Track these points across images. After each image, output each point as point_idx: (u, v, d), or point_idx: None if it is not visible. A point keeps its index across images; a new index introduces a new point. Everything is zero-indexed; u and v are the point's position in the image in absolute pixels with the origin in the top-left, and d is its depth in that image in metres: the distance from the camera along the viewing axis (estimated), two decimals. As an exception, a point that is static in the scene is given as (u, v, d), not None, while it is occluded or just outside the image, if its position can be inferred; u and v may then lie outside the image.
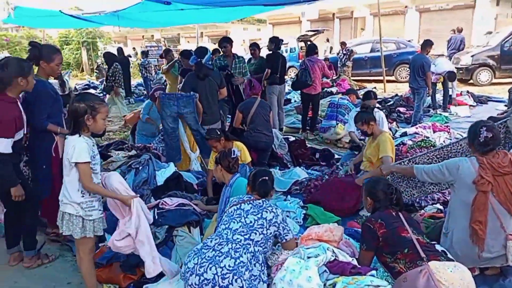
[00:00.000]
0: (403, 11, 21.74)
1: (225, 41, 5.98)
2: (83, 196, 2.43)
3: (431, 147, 4.49)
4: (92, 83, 15.59)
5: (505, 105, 8.34)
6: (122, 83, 8.85)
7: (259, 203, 2.54)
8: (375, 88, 11.15)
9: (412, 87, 7.55)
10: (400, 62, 14.10)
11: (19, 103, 2.96)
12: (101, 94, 10.78)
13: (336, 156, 5.56)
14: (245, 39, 27.19)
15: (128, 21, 8.00)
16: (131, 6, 6.30)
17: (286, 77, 7.94)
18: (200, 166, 5.02)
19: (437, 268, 2.09)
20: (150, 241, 2.53)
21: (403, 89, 11.58)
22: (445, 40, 14.31)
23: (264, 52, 7.43)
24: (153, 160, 4.40)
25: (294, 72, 15.16)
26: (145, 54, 13.36)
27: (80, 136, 2.41)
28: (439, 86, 8.67)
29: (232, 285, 2.13)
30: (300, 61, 11.12)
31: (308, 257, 2.29)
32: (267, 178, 2.70)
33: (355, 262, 2.32)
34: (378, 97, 7.30)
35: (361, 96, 8.40)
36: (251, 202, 2.55)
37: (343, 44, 13.80)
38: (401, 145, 4.74)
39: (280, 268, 2.34)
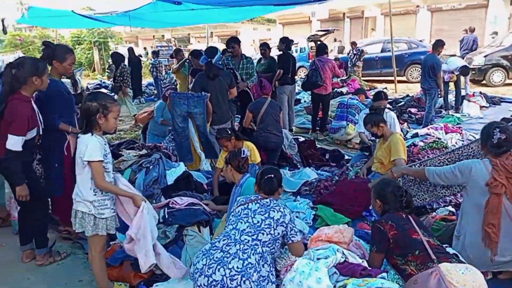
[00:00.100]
0: (414, 10, 21.51)
1: (233, 41, 5.99)
2: (95, 195, 2.46)
3: (443, 149, 4.44)
4: (104, 82, 15.74)
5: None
6: (129, 83, 8.92)
7: (267, 202, 2.51)
8: (385, 88, 11.05)
9: (423, 87, 7.47)
10: (412, 62, 13.95)
11: (33, 102, 3.00)
12: (112, 94, 10.88)
13: (346, 157, 5.53)
14: (255, 39, 27.20)
15: (139, 21, 8.07)
16: (142, 6, 6.35)
17: (296, 77, 7.92)
18: (210, 166, 5.04)
19: (449, 270, 2.07)
20: (146, 238, 2.51)
21: (415, 89, 11.45)
22: (457, 40, 14.13)
23: (274, 52, 7.42)
24: (163, 160, 4.42)
25: (304, 72, 15.11)
26: (156, 54, 13.45)
27: (92, 135, 2.43)
28: (452, 86, 8.57)
29: (241, 286, 2.12)
30: (310, 61, 11.10)
31: (318, 259, 2.28)
32: (272, 176, 2.67)
33: (365, 264, 2.30)
34: (389, 97, 7.26)
35: (370, 96, 8.37)
36: (259, 201, 2.52)
37: (353, 44, 13.71)
38: (413, 146, 4.69)
39: (289, 269, 2.34)
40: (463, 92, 8.64)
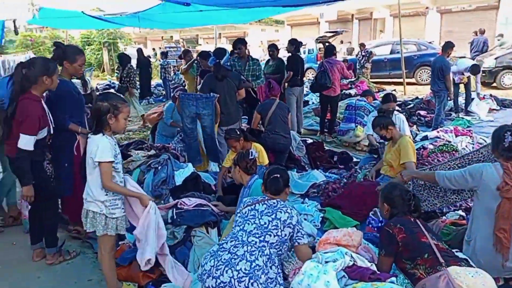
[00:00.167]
0: (424, 12, 21.37)
1: (240, 43, 6.00)
2: (106, 195, 2.48)
3: (453, 152, 4.40)
4: (113, 83, 15.84)
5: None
6: (136, 83, 8.98)
7: (274, 203, 2.49)
8: (394, 90, 10.98)
9: (432, 90, 7.42)
10: (421, 64, 13.85)
11: (43, 102, 3.03)
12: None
13: (355, 159, 5.50)
14: (263, 40, 27.21)
15: (148, 22, 8.13)
16: (151, 8, 6.40)
17: (304, 78, 7.92)
18: (218, 167, 5.04)
19: (458, 273, 2.05)
20: (147, 238, 2.52)
21: (424, 91, 11.37)
22: (467, 42, 14.01)
23: (281, 54, 7.42)
24: (171, 160, 4.44)
25: (312, 74, 15.09)
26: (164, 55, 13.52)
27: (103, 135, 2.45)
28: (462, 89, 8.49)
29: None
30: (319, 62, 11.07)
31: (326, 262, 2.26)
32: (279, 175, 2.64)
33: (374, 268, 2.28)
34: (397, 99, 7.22)
35: (379, 98, 8.33)
36: (266, 202, 2.50)
37: (362, 45, 13.66)
38: (422, 149, 4.65)
39: (297, 273, 2.32)
40: (473, 95, 8.56)
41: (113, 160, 2.45)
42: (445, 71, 6.91)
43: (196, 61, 8.04)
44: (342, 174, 4.72)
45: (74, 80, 4.24)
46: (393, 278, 2.17)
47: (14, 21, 8.38)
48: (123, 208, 2.57)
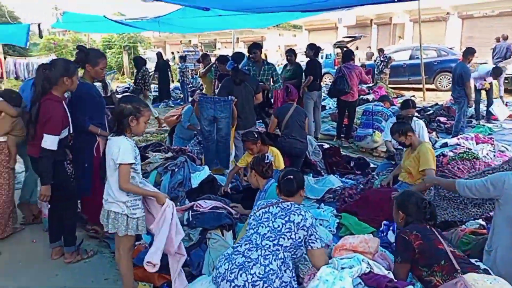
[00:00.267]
0: (445, 17, 21.05)
1: (255, 47, 6.02)
2: (128, 195, 2.51)
3: (474, 159, 4.29)
4: (132, 86, 16.12)
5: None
6: (150, 86, 9.11)
7: (287, 206, 2.45)
8: (413, 96, 10.84)
9: (453, 96, 7.30)
10: (441, 70, 13.63)
11: (63, 103, 3.10)
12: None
13: (372, 165, 5.44)
14: (280, 45, 27.26)
15: (168, 27, 8.23)
16: (171, 12, 6.49)
17: (321, 83, 7.91)
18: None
19: (475, 279, 2.02)
20: (158, 236, 2.52)
21: (444, 98, 11.18)
22: (489, 48, 13.71)
23: (299, 59, 7.42)
24: (188, 163, 4.48)
25: (330, 79, 15.01)
26: (183, 58, 13.70)
27: (125, 137, 2.49)
28: (484, 96, 8.31)
29: None
30: (336, 67, 11.02)
31: (342, 268, 2.24)
32: (292, 177, 2.61)
33: (391, 276, 2.25)
34: (417, 106, 7.12)
35: (397, 104, 8.22)
36: (279, 205, 2.47)
37: (381, 50, 13.54)
38: (442, 157, 4.55)
39: (312, 277, 2.31)
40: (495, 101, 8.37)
41: (134, 162, 2.48)
42: (465, 78, 6.79)
43: (214, 65, 8.11)
44: (358, 180, 4.67)
45: (95, 83, 4.32)
46: (410, 286, 2.14)
47: (39, 25, 8.62)
48: (143, 208, 2.59)
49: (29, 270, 3.19)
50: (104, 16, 7.44)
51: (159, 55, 13.16)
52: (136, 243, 3.17)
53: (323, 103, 9.74)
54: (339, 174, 5.08)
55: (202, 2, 4.87)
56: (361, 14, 22.36)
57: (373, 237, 2.71)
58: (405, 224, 2.51)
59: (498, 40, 13.36)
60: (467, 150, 4.74)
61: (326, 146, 6.05)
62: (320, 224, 3.50)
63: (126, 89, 15.12)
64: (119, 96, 9.92)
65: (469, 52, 7.04)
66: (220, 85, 5.42)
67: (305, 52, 7.44)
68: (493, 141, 5.59)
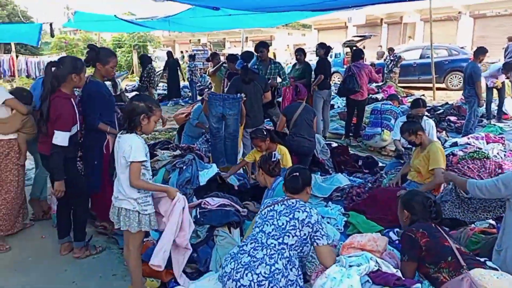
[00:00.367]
0: (456, 16, 20.79)
1: (262, 46, 6.03)
2: (139, 192, 2.52)
3: (485, 159, 4.24)
4: (138, 84, 16.23)
5: None
6: (155, 84, 9.15)
7: (292, 203, 2.41)
8: (423, 95, 10.74)
9: (463, 95, 7.23)
10: (452, 69, 13.50)
11: (72, 100, 3.13)
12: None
13: (380, 164, 5.41)
14: (289, 44, 27.21)
15: (178, 26, 8.27)
16: (181, 12, 6.52)
17: (331, 82, 7.91)
18: (242, 168, 5.06)
19: (482, 274, 2.02)
20: (165, 231, 2.55)
21: (454, 97, 11.06)
22: (501, 48, 13.51)
23: (308, 58, 7.43)
24: (196, 161, 4.49)
25: (338, 78, 14.95)
26: (192, 57, 13.75)
27: (136, 135, 2.50)
28: (496, 95, 8.21)
29: None
30: (345, 66, 10.97)
31: (350, 266, 2.23)
32: (298, 174, 2.58)
33: (399, 274, 2.23)
34: (427, 105, 7.06)
35: (407, 103, 8.15)
36: (284, 202, 2.45)
37: (390, 50, 13.44)
38: (452, 156, 4.51)
39: (319, 275, 2.30)
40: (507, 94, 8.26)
41: (146, 159, 2.50)
42: (475, 78, 6.72)
43: (224, 64, 8.13)
44: (367, 179, 4.65)
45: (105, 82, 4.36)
46: (418, 285, 2.12)
47: (50, 24, 8.71)
48: (153, 205, 2.61)
49: (39, 266, 3.24)
50: (114, 15, 7.50)
51: (169, 53, 13.23)
52: (144, 240, 3.21)
53: (331, 102, 9.72)
54: (347, 173, 5.06)
55: (212, 1, 4.88)
56: (371, 13, 22.18)
57: (381, 235, 2.70)
58: (410, 223, 2.50)
59: (510, 39, 13.15)
60: (478, 149, 4.69)
61: (334, 144, 6.03)
62: (328, 223, 3.49)
63: (135, 87, 15.23)
64: (128, 94, 10.04)
65: (481, 52, 6.96)
66: (229, 83, 5.43)
67: (315, 51, 7.44)
68: (504, 140, 5.51)
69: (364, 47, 18.30)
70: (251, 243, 2.33)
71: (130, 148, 2.43)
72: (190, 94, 13.22)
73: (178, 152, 4.90)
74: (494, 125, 7.43)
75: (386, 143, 6.25)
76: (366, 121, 7.20)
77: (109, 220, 2.77)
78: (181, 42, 33.17)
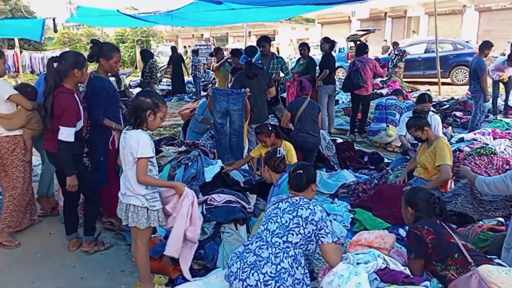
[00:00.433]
0: (461, 10, 20.62)
1: (264, 40, 6.01)
2: (146, 188, 2.52)
3: (492, 155, 4.21)
4: (140, 79, 16.20)
5: None
6: (157, 79, 9.12)
7: (296, 200, 2.39)
8: (428, 90, 10.68)
9: (469, 90, 7.18)
10: (457, 64, 13.41)
11: (75, 95, 3.13)
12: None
13: (386, 160, 5.39)
14: (292, 39, 27.10)
15: (181, 20, 8.22)
16: (184, 6, 6.48)
17: (335, 77, 7.87)
18: (247, 164, 5.06)
19: (490, 271, 2.00)
20: (176, 224, 2.56)
21: (460, 92, 10.99)
22: (507, 42, 13.40)
23: (312, 53, 7.40)
24: (201, 157, 4.49)
25: (343, 73, 14.88)
26: (195, 52, 13.70)
27: (142, 131, 2.50)
28: (502, 89, 8.15)
29: None
30: (349, 61, 10.90)
31: (358, 263, 2.23)
32: (302, 171, 2.54)
33: (407, 272, 2.22)
34: (432, 100, 7.01)
35: (412, 98, 8.09)
36: (288, 200, 2.42)
37: (395, 44, 13.34)
38: (458, 152, 4.48)
39: (327, 273, 2.29)
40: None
41: (153, 155, 2.50)
42: (479, 72, 6.66)
43: (228, 60, 8.10)
44: (372, 175, 4.62)
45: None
46: (427, 282, 2.11)
47: (53, 19, 8.70)
48: (160, 200, 2.61)
49: (48, 261, 3.26)
50: (117, 10, 7.47)
51: (173, 48, 13.18)
52: (151, 236, 3.22)
53: (336, 97, 9.68)
54: (353, 169, 5.04)
55: (215, -5, 4.86)
56: (375, 7, 22.05)
57: (388, 233, 2.68)
58: (415, 220, 2.48)
59: (516, 32, 13.06)
60: (484, 145, 4.65)
61: (339, 140, 6.00)
62: (334, 219, 3.48)
63: (138, 83, 15.21)
64: (132, 90, 10.01)
65: (486, 46, 6.90)
66: (233, 79, 5.42)
67: (320, 45, 7.40)
68: (511, 136, 5.47)
69: (366, 41, 18.22)
70: (257, 242, 2.32)
71: (137, 144, 2.43)
72: (194, 89, 13.19)
73: (183, 148, 4.90)
74: (501, 120, 7.37)
75: (392, 139, 6.23)
76: (371, 116, 7.17)
77: (116, 216, 2.78)
78: (184, 37, 33.09)
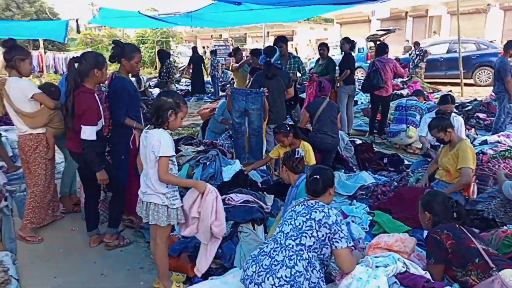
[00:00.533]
0: (485, 9, 20.09)
1: (281, 41, 6.00)
2: (167, 187, 2.56)
3: (517, 158, 4.09)
4: (158, 79, 16.40)
5: None
6: (174, 79, 9.22)
7: (311, 203, 2.36)
8: (450, 91, 10.45)
9: (494, 91, 6.99)
10: (480, 64, 13.06)
11: (95, 95, 3.19)
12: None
13: (406, 162, 5.29)
14: (311, 39, 26.96)
15: (200, 21, 8.30)
16: (203, 7, 6.54)
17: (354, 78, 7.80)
18: (265, 165, 5.06)
19: None
20: (202, 220, 2.57)
21: (483, 93, 10.71)
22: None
23: (331, 53, 7.36)
24: (220, 156, 4.52)
25: (362, 73, 14.71)
26: (214, 53, 13.79)
27: (164, 130, 2.53)
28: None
29: None
30: (369, 61, 10.76)
31: (377, 266, 2.20)
32: (318, 176, 2.50)
33: (428, 276, 2.18)
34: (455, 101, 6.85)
35: (434, 99, 7.92)
36: (305, 203, 2.41)
37: (416, 44, 13.10)
38: (481, 154, 4.36)
39: (345, 276, 2.26)
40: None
41: (174, 154, 2.53)
42: (503, 73, 6.46)
43: (250, 60, 8.10)
44: (392, 177, 4.54)
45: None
46: (448, 287, 2.07)
47: (77, 21, 8.89)
48: (180, 199, 2.64)
49: (69, 257, 3.33)
50: (138, 11, 7.59)
51: (194, 49, 13.30)
52: (170, 234, 3.25)
53: (355, 98, 9.58)
54: (372, 171, 4.97)
55: (234, -4, 4.88)
56: (395, 6, 21.69)
57: (408, 236, 2.64)
58: (433, 224, 2.43)
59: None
60: (509, 148, 4.51)
61: (358, 141, 5.93)
62: (353, 221, 3.44)
63: (156, 83, 15.41)
64: (151, 90, 10.13)
65: (511, 46, 6.69)
66: (252, 79, 5.42)
67: (340, 45, 7.35)
68: (537, 139, 5.29)
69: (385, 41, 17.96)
70: (271, 244, 2.31)
71: (159, 143, 2.45)
72: (212, 89, 13.28)
73: (201, 147, 4.94)
74: (526, 122, 7.15)
75: (412, 140, 6.12)
76: (390, 117, 7.07)
77: (136, 214, 2.82)
78: (203, 38, 33.35)
